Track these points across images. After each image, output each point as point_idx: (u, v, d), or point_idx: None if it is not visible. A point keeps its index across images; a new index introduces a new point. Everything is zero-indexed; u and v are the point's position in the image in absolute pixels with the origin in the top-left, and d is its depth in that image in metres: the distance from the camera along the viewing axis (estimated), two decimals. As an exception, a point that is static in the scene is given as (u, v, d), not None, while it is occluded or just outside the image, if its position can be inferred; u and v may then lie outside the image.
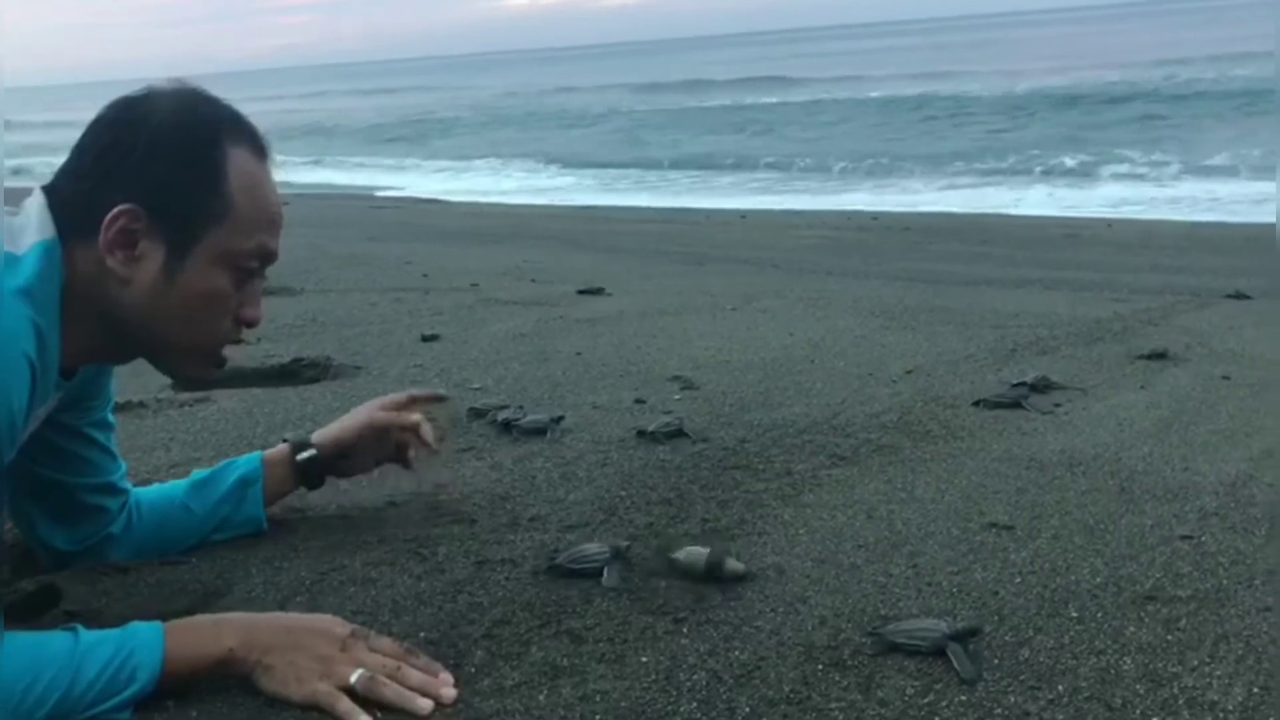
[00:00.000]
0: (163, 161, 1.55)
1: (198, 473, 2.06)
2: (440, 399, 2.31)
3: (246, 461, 2.07)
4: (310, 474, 2.10)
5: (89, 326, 1.57)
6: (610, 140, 25.55)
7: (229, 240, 1.59)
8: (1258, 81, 23.60)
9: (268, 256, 1.65)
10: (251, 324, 1.68)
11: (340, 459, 2.11)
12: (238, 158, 1.60)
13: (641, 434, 2.70)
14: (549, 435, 2.72)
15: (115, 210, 1.53)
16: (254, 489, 2.05)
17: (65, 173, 1.59)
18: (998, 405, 2.99)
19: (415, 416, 2.12)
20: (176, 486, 2.04)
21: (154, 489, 2.04)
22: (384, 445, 2.12)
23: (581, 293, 5.19)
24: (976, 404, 3.02)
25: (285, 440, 2.14)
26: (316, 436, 2.12)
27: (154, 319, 1.59)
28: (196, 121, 1.60)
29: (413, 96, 52.55)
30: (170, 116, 1.58)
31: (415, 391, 2.22)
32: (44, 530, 1.86)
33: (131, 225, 1.54)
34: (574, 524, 2.13)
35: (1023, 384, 3.17)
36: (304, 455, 2.09)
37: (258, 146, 1.64)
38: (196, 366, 1.69)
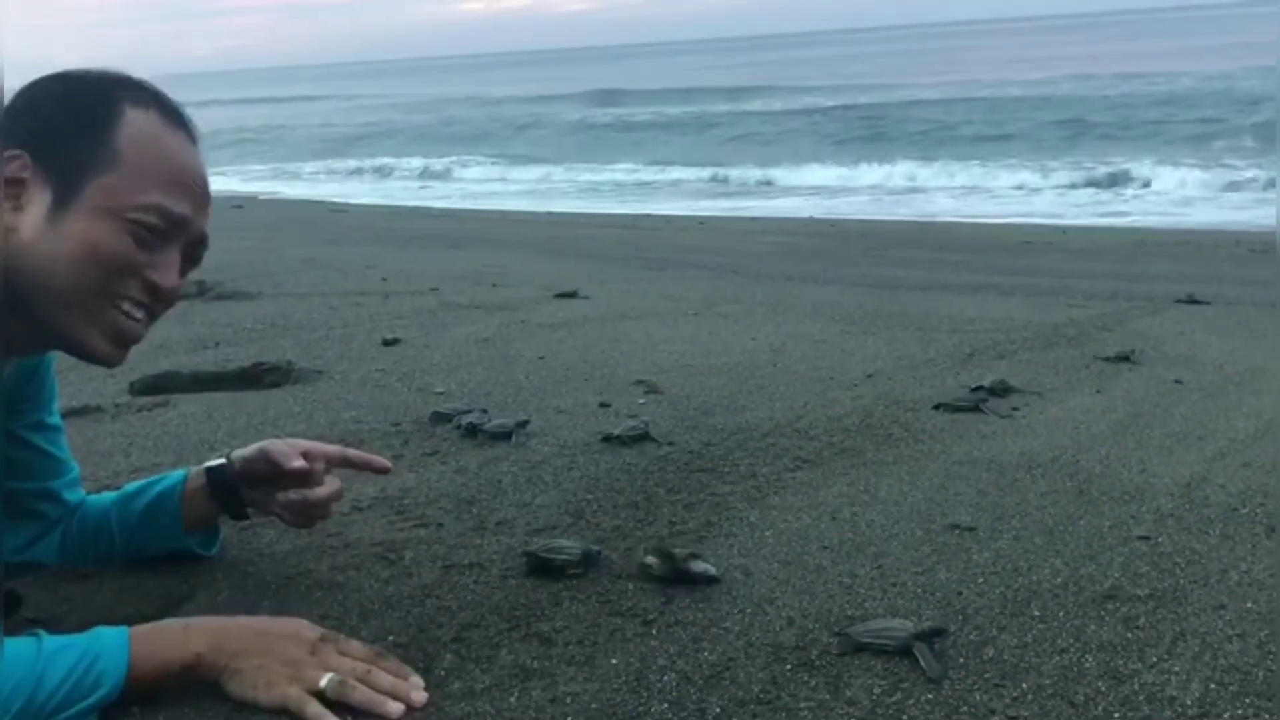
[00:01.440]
0: (49, 109, 1.52)
1: (131, 484, 1.97)
2: (381, 470, 2.01)
3: (171, 477, 1.94)
4: (223, 488, 1.91)
5: None
6: (559, 145, 25.57)
7: (120, 191, 1.51)
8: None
9: (174, 220, 1.55)
10: (160, 291, 1.56)
11: (254, 480, 1.92)
12: (136, 115, 1.55)
13: (607, 439, 2.71)
14: (514, 439, 2.72)
15: (2, 157, 1.48)
16: (168, 508, 1.91)
17: None
18: (957, 409, 3.03)
19: (320, 490, 1.90)
20: (108, 497, 1.95)
21: (96, 497, 1.96)
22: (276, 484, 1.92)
23: (558, 296, 5.21)
24: (937, 408, 3.05)
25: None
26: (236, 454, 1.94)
27: (36, 268, 1.49)
28: (92, 79, 1.57)
29: (364, 102, 52.21)
30: (69, 79, 1.56)
31: (351, 453, 1.97)
32: None
33: (18, 173, 1.49)
34: (541, 527, 2.14)
35: (981, 388, 3.22)
36: (215, 463, 1.92)
37: (168, 112, 1.59)
38: (90, 336, 1.54)
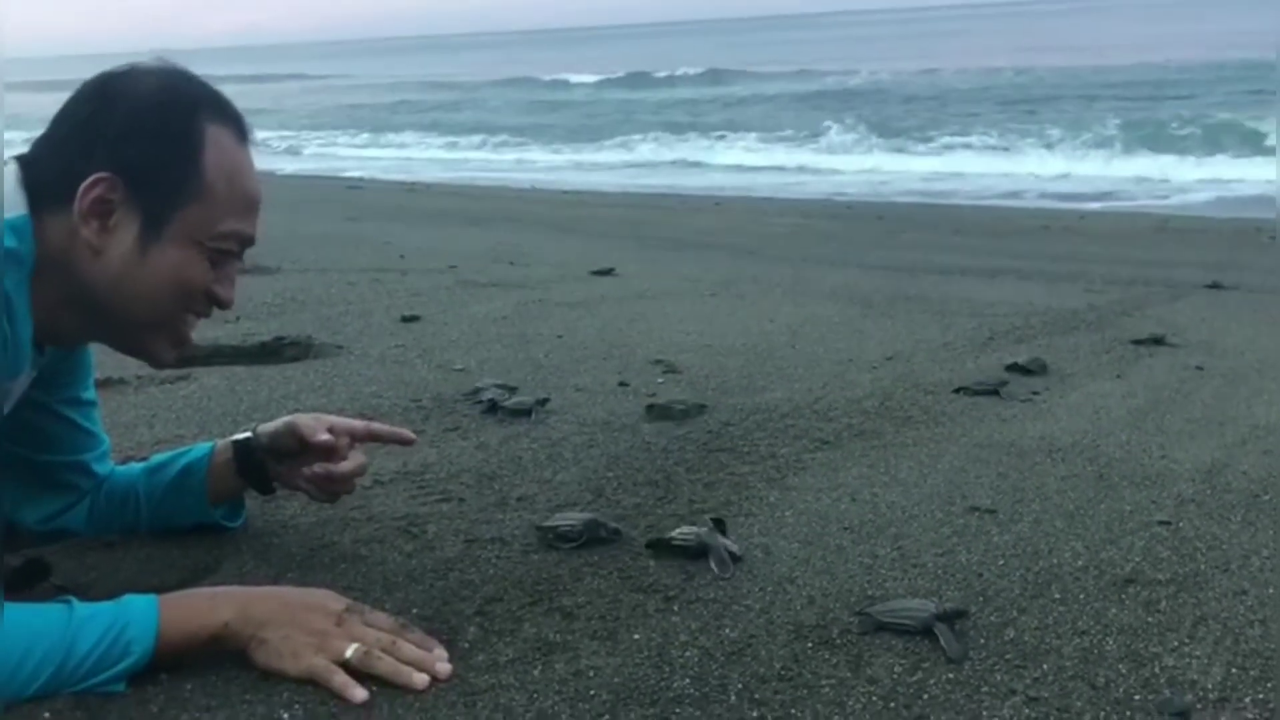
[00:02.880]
0: (142, 135, 1.54)
1: (158, 456, 1.99)
2: (406, 442, 2.00)
3: (198, 450, 1.97)
4: (249, 462, 1.92)
5: (51, 297, 1.55)
6: (573, 125, 25.53)
7: (205, 220, 1.58)
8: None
9: (245, 240, 1.64)
10: (224, 305, 1.66)
11: (280, 454, 1.92)
12: (217, 137, 1.59)
13: (651, 409, 2.77)
14: (533, 416, 2.73)
15: (92, 179, 1.51)
16: (193, 481, 1.92)
17: (43, 143, 1.58)
18: (978, 392, 3.03)
19: (345, 464, 1.89)
20: (135, 469, 1.97)
21: (123, 468, 1.99)
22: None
23: (594, 274, 5.28)
24: (957, 391, 3.05)
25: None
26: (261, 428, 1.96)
27: (122, 292, 1.57)
28: (177, 98, 1.59)
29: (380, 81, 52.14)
30: (152, 92, 1.57)
31: (377, 427, 1.99)
32: (11, 506, 1.83)
33: (108, 195, 1.52)
34: (562, 504, 2.14)
35: (1015, 365, 3.28)
36: (241, 436, 1.93)
37: (239, 128, 1.63)
38: (159, 347, 1.66)
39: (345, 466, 1.89)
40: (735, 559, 1.86)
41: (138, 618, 1.45)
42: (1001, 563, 1.89)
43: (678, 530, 1.91)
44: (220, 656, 1.49)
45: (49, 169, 1.54)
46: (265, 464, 1.93)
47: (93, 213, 1.53)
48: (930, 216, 10.25)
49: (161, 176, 1.55)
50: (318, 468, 1.89)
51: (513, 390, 2.91)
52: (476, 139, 23.34)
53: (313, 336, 3.67)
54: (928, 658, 1.56)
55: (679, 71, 38.76)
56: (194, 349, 3.38)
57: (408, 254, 5.93)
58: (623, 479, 2.30)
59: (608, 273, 5.29)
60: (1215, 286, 5.30)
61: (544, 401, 2.82)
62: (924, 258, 6.68)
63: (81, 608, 1.43)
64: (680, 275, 5.41)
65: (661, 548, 1.90)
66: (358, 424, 1.95)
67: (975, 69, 32.18)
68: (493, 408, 2.78)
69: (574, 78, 39.40)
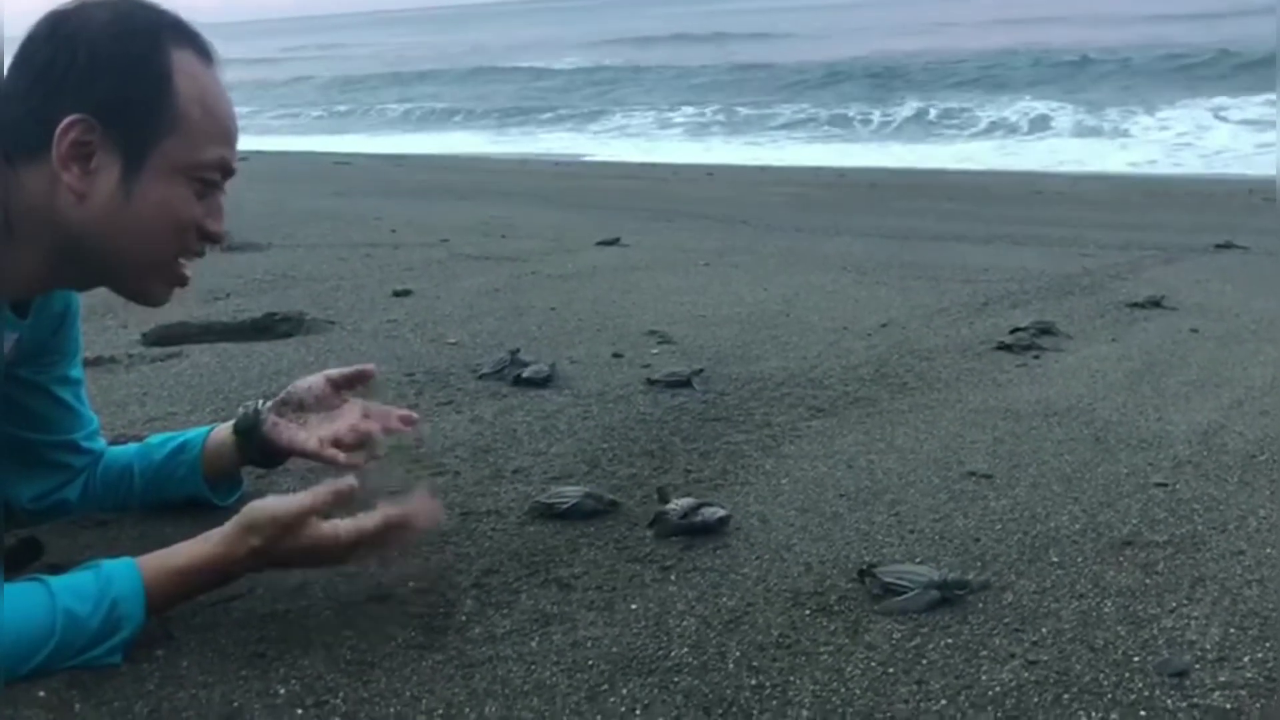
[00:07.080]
0: (108, 71, 1.49)
1: (154, 437, 1.99)
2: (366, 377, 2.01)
3: (195, 431, 1.97)
4: (249, 434, 1.91)
5: (40, 252, 1.52)
6: (575, 97, 25.35)
7: (184, 150, 1.53)
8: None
9: (227, 169, 1.60)
10: (216, 239, 1.62)
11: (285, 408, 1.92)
12: (184, 63, 1.54)
13: (651, 382, 2.76)
14: (528, 389, 2.73)
15: (66, 122, 1.46)
16: (188, 455, 1.92)
17: (4, 96, 1.51)
18: (1014, 347, 3.14)
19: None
20: (132, 448, 1.97)
21: (118, 448, 1.97)
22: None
23: (599, 244, 5.30)
24: (997, 348, 3.13)
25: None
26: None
27: (113, 235, 1.52)
28: (136, 27, 1.53)
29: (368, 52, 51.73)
30: (108, 25, 1.51)
31: (331, 373, 1.98)
32: (4, 486, 1.82)
33: (85, 137, 1.47)
34: (557, 475, 2.14)
35: (1021, 329, 3.29)
36: (244, 409, 1.92)
37: (202, 51, 1.58)
38: (158, 287, 1.63)
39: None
40: (724, 520, 1.85)
41: (126, 591, 1.43)
42: (999, 527, 1.89)
43: (670, 504, 1.91)
44: (214, 634, 1.49)
45: (17, 122, 1.49)
46: (270, 432, 1.89)
47: (72, 157, 1.48)
48: (922, 183, 10.22)
49: (135, 111, 1.50)
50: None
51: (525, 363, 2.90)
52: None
53: (304, 312, 3.65)
54: (926, 623, 1.55)
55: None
56: (185, 326, 3.42)
57: (399, 228, 5.90)
58: (618, 450, 2.29)
59: (613, 243, 5.28)
60: (1230, 246, 5.37)
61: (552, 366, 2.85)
62: (917, 224, 6.66)
63: (59, 584, 1.40)
64: (674, 245, 5.39)
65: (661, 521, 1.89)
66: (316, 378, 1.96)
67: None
68: (518, 371, 2.79)
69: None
